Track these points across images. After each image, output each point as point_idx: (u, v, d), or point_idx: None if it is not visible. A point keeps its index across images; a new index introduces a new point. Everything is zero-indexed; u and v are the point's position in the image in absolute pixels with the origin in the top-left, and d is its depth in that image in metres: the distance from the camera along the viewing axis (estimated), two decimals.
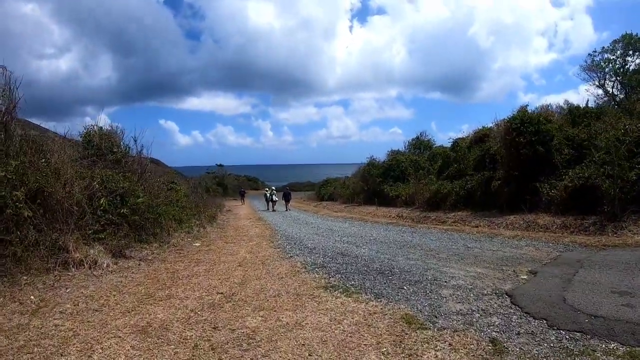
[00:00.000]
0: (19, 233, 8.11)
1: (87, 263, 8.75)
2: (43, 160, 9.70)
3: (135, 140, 15.29)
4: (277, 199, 31.84)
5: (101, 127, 14.25)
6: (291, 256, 10.32)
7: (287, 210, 30.94)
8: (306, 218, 24.14)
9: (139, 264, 9.61)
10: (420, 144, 33.61)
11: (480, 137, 22.48)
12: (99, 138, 13.66)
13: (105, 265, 9.02)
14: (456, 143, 24.51)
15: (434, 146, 32.60)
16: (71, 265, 8.48)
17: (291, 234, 15.27)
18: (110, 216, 10.84)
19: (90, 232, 9.96)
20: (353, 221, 21.25)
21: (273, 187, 35.37)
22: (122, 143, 14.56)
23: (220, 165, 63.23)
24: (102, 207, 10.65)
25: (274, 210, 30.66)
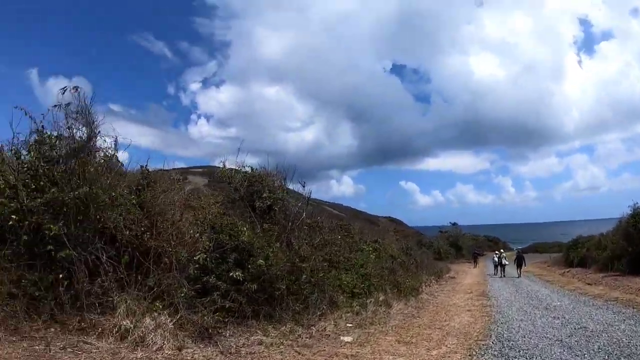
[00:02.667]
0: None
1: (130, 335, 5.76)
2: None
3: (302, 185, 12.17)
4: (506, 262, 28.74)
5: (251, 168, 11.44)
6: None
7: (518, 276, 27.11)
8: (547, 295, 16.59)
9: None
10: None
11: None
12: (242, 179, 10.76)
13: (156, 345, 5.71)
14: None
15: None
16: (99, 332, 5.71)
17: (518, 334, 8.91)
18: (213, 279, 7.49)
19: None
20: (623, 307, 12.82)
21: (502, 250, 32.43)
22: (279, 184, 11.32)
23: (455, 224, 57.22)
24: (198, 264, 7.35)
25: (503, 276, 27.46)
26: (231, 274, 7.66)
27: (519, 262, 28.65)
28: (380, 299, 12.12)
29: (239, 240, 8.20)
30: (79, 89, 7.65)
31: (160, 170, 8.82)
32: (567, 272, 28.61)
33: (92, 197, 6.54)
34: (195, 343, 6.29)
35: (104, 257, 6.50)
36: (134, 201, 7.36)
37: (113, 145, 7.74)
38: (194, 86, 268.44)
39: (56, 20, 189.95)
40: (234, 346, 6.60)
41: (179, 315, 6.54)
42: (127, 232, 6.88)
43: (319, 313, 9.35)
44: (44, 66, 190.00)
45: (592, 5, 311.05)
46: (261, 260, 7.95)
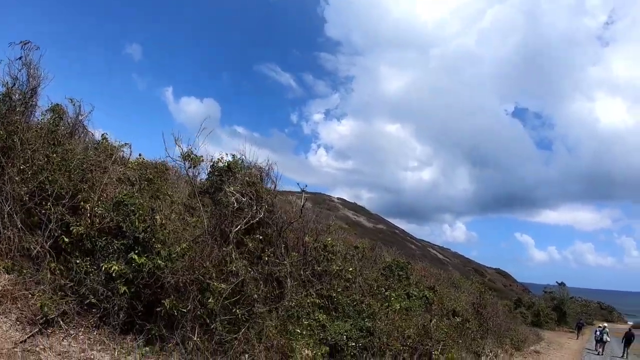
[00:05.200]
0: None
1: None
2: None
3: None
4: (608, 339, 24.75)
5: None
6: None
7: (623, 357, 23.66)
8: None
9: None
10: None
11: None
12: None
13: None
14: None
15: None
16: None
17: None
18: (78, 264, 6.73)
19: None
20: None
21: (605, 324, 27.94)
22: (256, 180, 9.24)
23: (562, 284, 48.37)
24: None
25: (600, 354, 24.20)
26: (104, 265, 6.63)
27: (628, 340, 24.24)
28: None
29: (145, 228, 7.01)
30: (28, 43, 8.16)
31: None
32: None
33: None
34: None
35: None
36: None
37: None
38: (317, 117, 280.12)
39: (193, 45, 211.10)
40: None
41: None
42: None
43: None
44: (178, 86, 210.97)
45: None
46: (155, 259, 6.66)
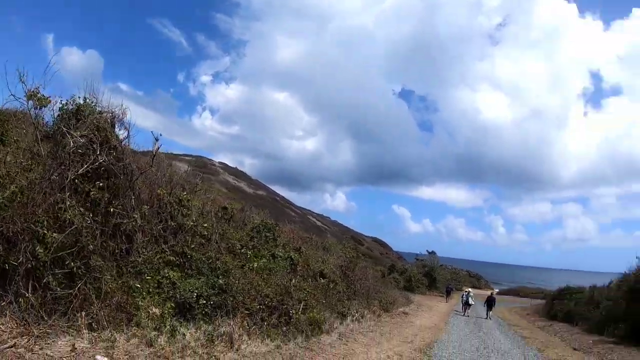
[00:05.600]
0: None
1: None
2: None
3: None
4: (472, 302, 27.77)
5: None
6: None
7: (487, 318, 26.15)
8: None
9: None
10: None
11: None
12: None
13: None
14: None
15: None
16: None
17: None
18: None
19: None
20: None
21: (470, 289, 30.92)
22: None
23: (432, 253, 52.62)
24: None
25: (466, 315, 26.64)
26: None
27: (490, 304, 27.48)
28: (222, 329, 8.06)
29: None
30: None
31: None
32: (549, 326, 24.03)
33: None
34: None
35: None
36: None
37: None
38: (204, 78, 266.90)
39: None
40: None
41: None
42: None
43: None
44: (59, 33, 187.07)
45: (606, 60, 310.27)
46: None
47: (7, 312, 6.15)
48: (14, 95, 7.96)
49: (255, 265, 10.97)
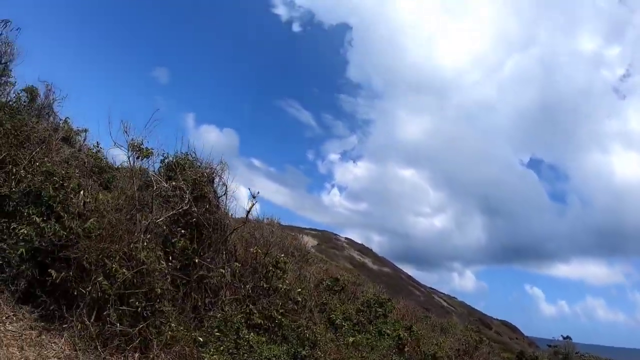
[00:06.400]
0: None
1: None
2: None
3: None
4: None
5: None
6: None
7: None
8: None
9: None
10: None
11: None
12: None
13: None
14: None
15: None
16: None
17: None
18: None
19: None
20: None
21: None
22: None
23: (567, 338, 45.05)
24: None
25: None
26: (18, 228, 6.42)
27: None
28: None
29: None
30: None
31: None
32: None
33: None
34: None
35: None
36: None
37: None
38: (333, 157, 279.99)
39: (217, 76, 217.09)
40: None
41: None
42: None
43: None
44: (200, 113, 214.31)
45: None
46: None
47: (66, 334, 6.27)
48: (117, 144, 8.24)
49: (352, 340, 9.53)
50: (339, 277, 13.69)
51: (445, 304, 72.13)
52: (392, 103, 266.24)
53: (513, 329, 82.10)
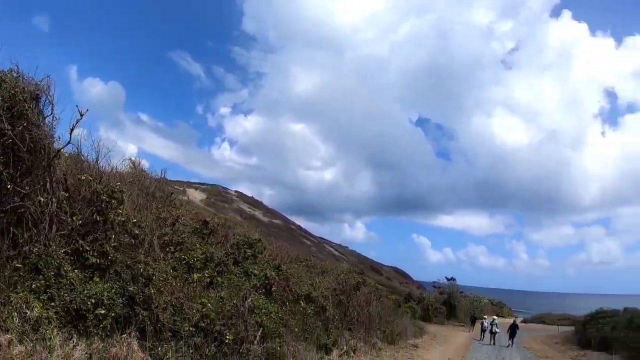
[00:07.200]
0: None
1: None
2: None
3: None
4: (497, 330, 27.13)
5: None
6: None
7: (508, 346, 25.49)
8: None
9: None
10: None
11: None
12: None
13: None
14: None
15: None
16: None
17: None
18: None
19: None
20: None
21: (495, 317, 29.83)
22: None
23: (451, 279, 48.96)
24: None
25: (493, 344, 26.05)
26: None
27: (512, 332, 26.57)
28: None
29: None
30: None
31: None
32: (583, 356, 21.53)
33: None
34: None
35: None
36: None
37: None
38: (223, 110, 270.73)
39: (101, 27, 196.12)
40: None
41: None
42: None
43: None
44: (83, 65, 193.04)
45: (620, 77, 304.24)
46: None
47: None
48: None
49: (197, 277, 8.72)
50: (207, 219, 12.91)
51: (337, 253, 75.38)
52: (286, 57, 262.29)
53: (403, 274, 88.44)
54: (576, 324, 32.13)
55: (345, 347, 11.98)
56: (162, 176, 12.46)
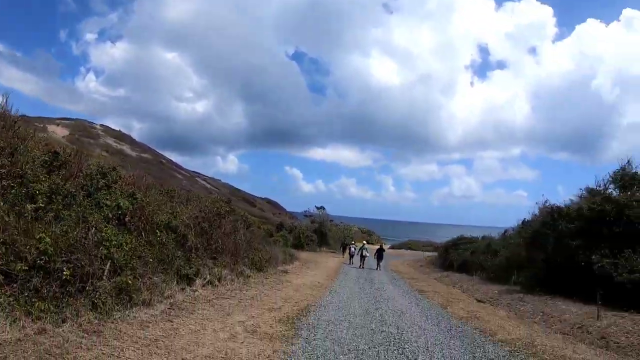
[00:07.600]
0: None
1: None
2: None
3: None
4: (367, 254, 28.72)
5: None
6: None
7: (377, 269, 27.14)
8: (423, 330, 9.76)
9: None
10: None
11: None
12: None
13: None
14: None
15: None
16: None
17: None
18: None
19: None
20: None
21: (365, 242, 32.26)
22: None
23: (321, 208, 52.00)
24: None
25: (362, 268, 27.38)
26: None
27: (379, 256, 28.33)
28: None
29: None
30: None
31: None
32: (446, 277, 23.93)
33: None
34: None
35: None
36: None
37: None
38: (89, 37, 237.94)
39: None
40: None
41: None
42: None
43: None
44: None
45: (495, 36, 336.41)
46: None
47: None
48: None
49: (30, 208, 7.88)
50: (58, 149, 11.66)
51: (209, 185, 75.21)
52: None
53: (276, 205, 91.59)
54: (439, 249, 36.09)
55: (208, 277, 12.15)
56: (3, 103, 10.80)
